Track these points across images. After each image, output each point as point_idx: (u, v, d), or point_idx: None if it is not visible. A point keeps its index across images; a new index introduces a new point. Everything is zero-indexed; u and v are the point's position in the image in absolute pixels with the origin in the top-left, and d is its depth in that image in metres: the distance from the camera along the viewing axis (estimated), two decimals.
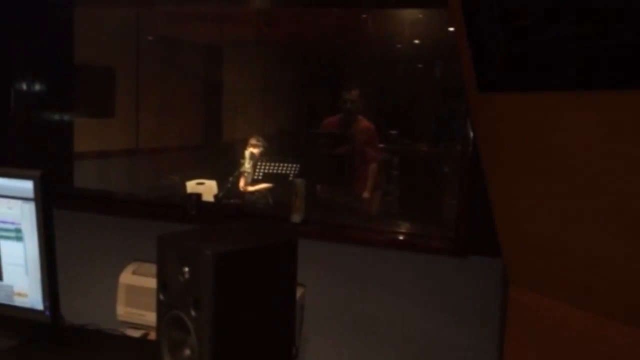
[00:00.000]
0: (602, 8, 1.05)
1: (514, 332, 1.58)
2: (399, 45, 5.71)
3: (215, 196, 5.11)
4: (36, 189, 1.32)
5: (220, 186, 5.20)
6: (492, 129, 1.45)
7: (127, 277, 2.43)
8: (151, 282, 2.34)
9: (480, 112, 1.48)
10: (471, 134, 2.31)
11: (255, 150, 5.00)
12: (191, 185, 5.10)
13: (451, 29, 4.39)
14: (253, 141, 5.03)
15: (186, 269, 1.13)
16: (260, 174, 4.96)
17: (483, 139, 1.52)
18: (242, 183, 4.96)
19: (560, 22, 1.14)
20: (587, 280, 1.31)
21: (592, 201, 1.22)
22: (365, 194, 4.20)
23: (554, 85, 1.21)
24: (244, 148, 5.05)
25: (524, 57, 1.26)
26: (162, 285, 1.19)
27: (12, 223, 1.37)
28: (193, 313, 1.11)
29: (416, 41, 5.49)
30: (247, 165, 4.99)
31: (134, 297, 2.39)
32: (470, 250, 2.33)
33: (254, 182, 4.99)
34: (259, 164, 4.99)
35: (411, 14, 4.66)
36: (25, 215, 1.35)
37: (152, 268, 2.39)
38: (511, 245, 1.54)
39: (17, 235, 1.37)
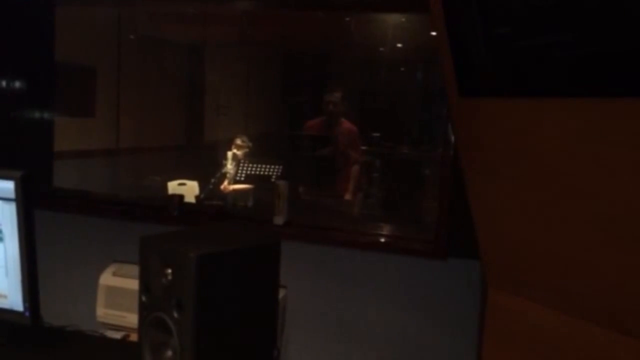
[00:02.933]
0: (582, 17, 1.07)
1: (492, 334, 1.60)
2: (381, 49, 5.74)
3: (197, 197, 5.08)
4: (17, 189, 1.31)
5: (202, 187, 5.17)
6: (473, 133, 1.47)
7: (108, 278, 2.42)
8: (132, 284, 2.33)
9: (462, 117, 1.50)
10: (452, 138, 2.34)
11: (240, 152, 4.98)
12: (172, 186, 5.06)
13: (433, 33, 4.44)
14: (238, 142, 5.00)
15: (169, 271, 1.13)
16: (243, 175, 4.95)
17: (464, 144, 1.54)
18: (224, 183, 4.94)
19: (542, 29, 1.16)
20: (565, 283, 1.34)
21: (571, 206, 1.24)
22: (347, 196, 4.22)
23: (535, 91, 1.23)
24: (227, 149, 5.03)
25: (505, 64, 1.28)
26: (145, 287, 1.19)
27: None
28: (175, 315, 1.11)
29: (399, 45, 5.53)
30: (230, 165, 4.97)
31: (114, 298, 2.37)
32: (450, 252, 2.36)
33: (236, 182, 4.97)
34: (241, 164, 4.97)
35: (394, 18, 4.69)
36: (5, 216, 1.34)
37: (133, 269, 2.39)
38: (490, 248, 1.56)
39: None
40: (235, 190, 4.85)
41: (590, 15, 1.06)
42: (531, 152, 1.30)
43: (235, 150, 4.96)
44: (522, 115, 1.28)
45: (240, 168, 4.92)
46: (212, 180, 4.96)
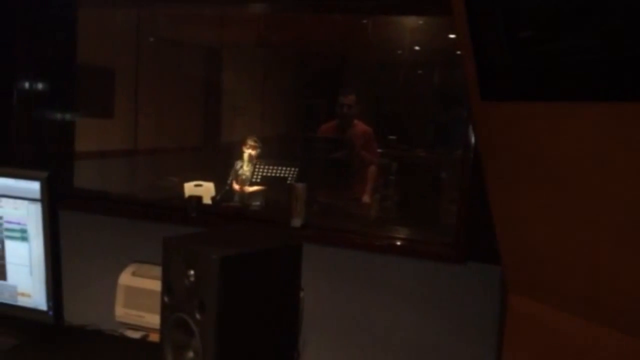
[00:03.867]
0: (603, 22, 1.07)
1: (512, 340, 1.59)
2: (399, 51, 5.74)
3: (213, 198, 5.12)
4: (43, 189, 1.33)
5: (218, 188, 5.20)
6: (494, 137, 1.46)
7: (127, 278, 2.44)
8: (151, 284, 2.35)
9: (483, 121, 1.49)
10: (472, 141, 2.32)
11: (253, 152, 5.01)
12: (189, 187, 5.09)
13: (452, 36, 4.43)
14: (251, 142, 5.04)
15: (192, 272, 1.13)
16: (259, 176, 4.97)
17: (485, 147, 1.53)
18: (236, 184, 4.97)
19: (564, 34, 1.16)
20: (586, 288, 1.32)
21: (592, 210, 1.23)
22: (365, 198, 4.20)
23: (557, 95, 1.23)
24: (242, 150, 5.07)
25: (528, 68, 1.27)
26: (167, 288, 1.20)
27: (18, 223, 1.38)
28: (198, 316, 1.12)
29: (416, 47, 5.52)
30: (246, 167, 5.00)
31: (133, 298, 2.39)
32: (469, 256, 2.34)
33: (251, 184, 5.00)
34: (257, 166, 5.00)
35: (412, 21, 4.68)
36: (31, 216, 1.36)
37: (152, 269, 2.41)
38: (511, 253, 1.55)
39: (22, 235, 1.38)
40: (247, 192, 4.89)
41: (612, 20, 1.05)
42: (553, 155, 1.29)
43: (248, 151, 4.99)
44: (545, 119, 1.27)
45: (256, 169, 4.95)
46: (228, 182, 4.99)
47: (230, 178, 5.00)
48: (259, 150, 5.02)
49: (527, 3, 1.22)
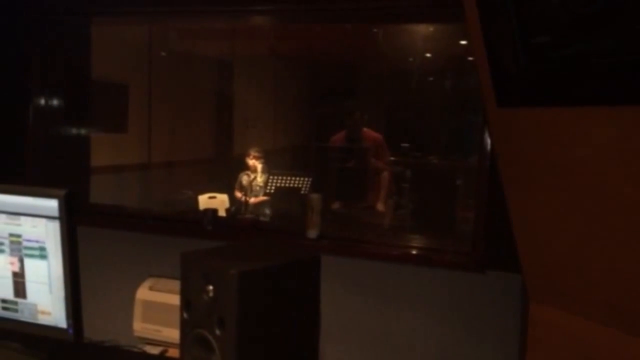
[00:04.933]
0: (619, 25, 1.06)
1: (535, 349, 1.57)
2: (410, 59, 5.73)
3: (227, 210, 5.14)
4: (61, 207, 1.34)
5: (231, 199, 5.23)
6: (511, 144, 1.45)
7: (144, 292, 2.45)
8: (168, 298, 2.36)
9: (499, 128, 1.48)
10: (488, 148, 2.30)
11: (257, 162, 5.04)
12: (203, 199, 5.12)
13: (463, 42, 4.42)
14: (254, 153, 5.07)
15: (210, 288, 1.13)
16: (272, 187, 5.00)
17: (502, 154, 1.52)
18: (239, 193, 5.02)
19: (581, 37, 1.15)
20: (609, 296, 1.30)
21: (613, 216, 1.21)
22: (379, 206, 4.19)
23: (573, 100, 1.22)
24: (245, 161, 5.12)
25: (543, 73, 1.26)
26: (186, 304, 1.19)
27: (37, 241, 1.38)
28: (217, 332, 1.11)
29: (427, 55, 5.51)
30: (260, 179, 5.02)
31: (151, 312, 2.40)
32: (487, 265, 2.32)
33: (265, 195, 5.04)
34: (270, 177, 5.03)
35: (423, 28, 4.68)
36: (49, 234, 1.36)
37: (169, 284, 2.42)
38: (531, 261, 1.53)
39: (41, 253, 1.38)
40: (252, 203, 4.94)
41: (629, 22, 1.04)
42: (572, 161, 1.28)
43: (252, 161, 5.03)
44: (562, 125, 1.26)
45: (270, 181, 4.98)
46: (242, 194, 5.02)
47: (244, 189, 5.02)
48: (262, 160, 5.05)
49: (542, 8, 1.21)
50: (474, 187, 2.44)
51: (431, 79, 6.26)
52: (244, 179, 5.03)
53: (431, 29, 4.66)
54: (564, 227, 1.38)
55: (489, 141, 2.31)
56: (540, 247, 1.48)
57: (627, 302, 1.24)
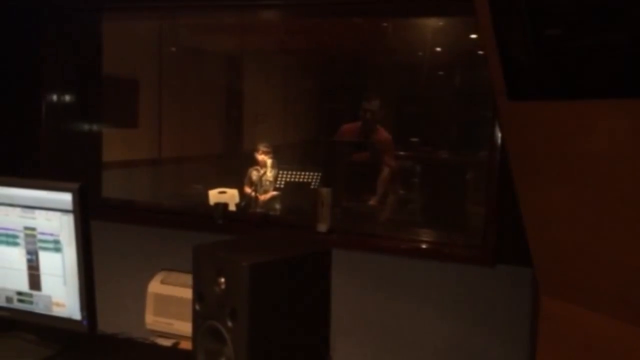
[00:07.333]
0: (631, 17, 1.05)
1: (546, 343, 1.56)
2: (420, 53, 5.71)
3: (237, 205, 5.16)
4: (75, 201, 1.36)
5: (241, 194, 5.25)
6: (522, 137, 1.45)
7: (156, 286, 2.47)
8: (180, 291, 2.38)
9: (510, 121, 1.48)
10: (499, 142, 2.30)
11: (266, 157, 5.06)
12: (213, 194, 5.14)
13: (473, 36, 4.39)
14: (263, 148, 5.09)
15: (222, 280, 1.14)
16: (282, 182, 5.02)
17: (513, 148, 1.51)
18: (248, 189, 5.04)
19: (592, 30, 1.14)
20: (620, 289, 1.30)
21: (624, 209, 1.21)
22: (372, 201, 4.24)
23: (585, 93, 1.21)
24: (254, 156, 5.14)
25: (555, 66, 1.26)
26: (198, 296, 1.21)
27: (51, 234, 1.40)
28: (230, 323, 1.12)
29: (437, 49, 5.48)
30: (269, 174, 5.04)
31: (163, 306, 2.42)
32: (498, 258, 2.31)
33: (275, 190, 5.06)
34: (280, 172, 5.05)
35: (432, 22, 4.65)
36: (63, 227, 1.38)
37: (180, 277, 2.44)
38: (542, 255, 1.53)
39: (55, 246, 1.40)
40: (262, 199, 4.96)
41: (638, 15, 1.03)
42: (584, 155, 1.27)
43: (261, 156, 5.04)
44: (573, 118, 1.25)
45: (280, 175, 5.00)
46: (252, 189, 5.04)
47: (255, 184, 5.05)
48: (271, 155, 5.07)
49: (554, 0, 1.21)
50: (485, 181, 2.44)
51: (441, 73, 6.22)
52: (254, 174, 5.05)
53: (441, 23, 4.63)
54: (575, 220, 1.37)
55: (499, 135, 2.30)
56: (551, 241, 1.48)
57: (639, 295, 1.24)
